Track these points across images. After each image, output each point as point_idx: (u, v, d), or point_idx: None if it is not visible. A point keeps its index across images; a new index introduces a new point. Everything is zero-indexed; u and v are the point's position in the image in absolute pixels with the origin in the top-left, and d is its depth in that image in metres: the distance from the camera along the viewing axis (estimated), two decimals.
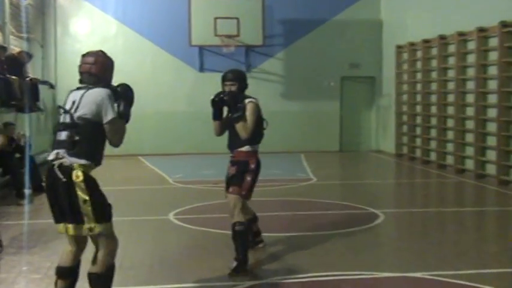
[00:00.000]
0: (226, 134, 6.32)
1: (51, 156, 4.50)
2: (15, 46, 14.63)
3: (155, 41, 17.88)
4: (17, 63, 13.44)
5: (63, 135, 4.49)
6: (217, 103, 6.11)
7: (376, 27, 18.80)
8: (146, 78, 17.65)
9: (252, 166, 6.21)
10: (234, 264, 5.96)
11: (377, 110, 19.12)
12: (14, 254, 6.86)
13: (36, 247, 7.08)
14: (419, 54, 16.11)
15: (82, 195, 4.39)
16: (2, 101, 12.47)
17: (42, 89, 15.04)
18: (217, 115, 6.20)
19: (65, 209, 4.45)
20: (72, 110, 4.50)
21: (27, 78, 13.69)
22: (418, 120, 16.22)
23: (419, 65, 16.10)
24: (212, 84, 17.57)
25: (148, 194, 11.34)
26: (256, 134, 6.17)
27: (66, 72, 17.60)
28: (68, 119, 4.50)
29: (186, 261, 6.53)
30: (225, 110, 6.23)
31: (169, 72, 17.93)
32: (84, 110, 4.46)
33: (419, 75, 16.12)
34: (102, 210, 4.56)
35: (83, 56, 4.74)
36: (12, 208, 9.73)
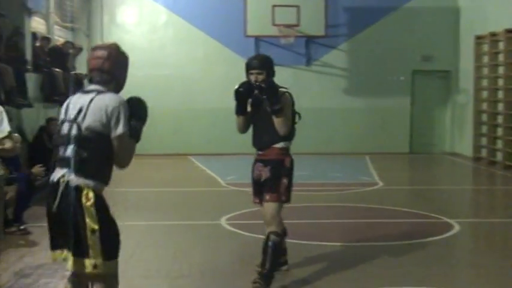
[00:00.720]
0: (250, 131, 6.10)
1: (55, 176, 4.09)
2: (59, 36, 15.04)
3: (207, 31, 18.05)
4: (61, 55, 13.80)
5: (68, 151, 4.04)
6: (243, 94, 5.79)
7: (452, 15, 18.51)
8: (197, 72, 17.86)
9: (287, 165, 5.86)
10: (257, 277, 5.77)
11: (452, 107, 18.82)
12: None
13: None
14: (501, 45, 15.79)
15: (91, 223, 3.98)
16: (45, 95, 12.86)
17: (87, 82, 15.41)
18: (242, 109, 5.88)
19: (69, 238, 4.03)
20: (79, 119, 4.05)
21: (72, 72, 14.04)
22: (500, 119, 15.90)
23: (501, 57, 15.77)
24: None
25: (199, 196, 11.49)
26: (291, 129, 5.90)
27: None
28: (74, 131, 4.05)
29: (238, 270, 6.60)
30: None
31: (223, 65, 18.04)
32: (93, 120, 4.02)
33: (501, 69, 15.79)
34: (113, 244, 4.16)
35: (93, 49, 4.36)
36: None
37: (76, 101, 4.16)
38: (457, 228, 8.63)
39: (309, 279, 6.18)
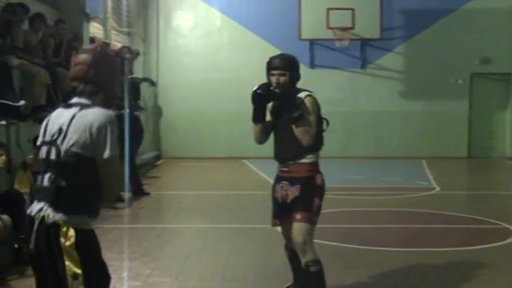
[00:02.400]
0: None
1: (32, 210, 3.43)
2: (116, 41, 15.31)
3: (262, 35, 18.12)
4: (119, 59, 14.04)
5: (45, 179, 3.37)
6: (262, 97, 5.04)
7: (511, 16, 18.14)
8: (252, 75, 17.77)
9: (318, 182, 5.09)
10: None
11: None
12: (113, 259, 7.19)
13: (136, 252, 7.37)
14: None
15: (72, 266, 3.30)
16: None
17: (143, 86, 15.64)
18: (260, 115, 5.19)
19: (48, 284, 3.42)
20: (59, 141, 3.36)
21: (128, 77, 14.27)
22: None
23: None
24: (324, 81, 17.67)
25: (253, 200, 11.51)
26: (318, 138, 5.11)
27: (168, 69, 18.27)
28: (52, 155, 3.36)
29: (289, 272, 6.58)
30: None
31: None
32: (74, 140, 3.34)
33: None
34: None
35: (75, 54, 3.67)
36: (111, 211, 10.18)
37: (56, 119, 3.47)
38: None
39: (368, 285, 6.12)
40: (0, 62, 8.08)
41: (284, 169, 5.19)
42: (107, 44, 13.56)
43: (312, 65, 18.04)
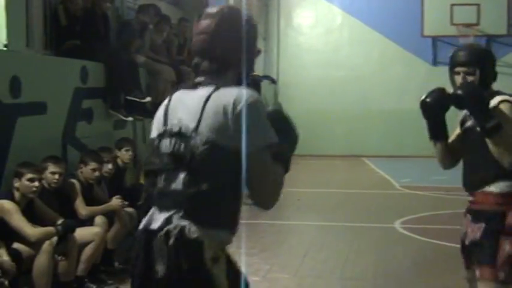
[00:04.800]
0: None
1: (151, 222, 2.49)
2: None
3: (383, 32, 17.81)
4: None
5: (176, 181, 2.45)
6: (434, 106, 3.73)
7: None
8: (373, 73, 17.67)
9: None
10: None
11: None
12: (233, 254, 7.28)
13: (255, 248, 7.39)
14: None
15: None
16: None
17: (264, 84, 15.76)
18: (436, 130, 3.79)
19: None
20: (189, 131, 2.46)
21: (250, 74, 14.45)
22: None
23: None
24: (447, 79, 17.13)
25: (372, 198, 11.34)
26: None
27: (288, 67, 18.32)
28: (182, 148, 2.46)
29: (412, 276, 6.42)
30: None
31: (399, 66, 17.73)
32: (213, 129, 2.43)
33: None
34: None
35: (197, 17, 2.68)
36: None
37: (180, 102, 2.58)
38: None
39: None
40: (129, 61, 8.35)
41: (471, 199, 3.69)
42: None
43: (435, 62, 17.56)
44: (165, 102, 2.66)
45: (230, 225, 2.52)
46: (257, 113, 2.43)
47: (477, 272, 3.54)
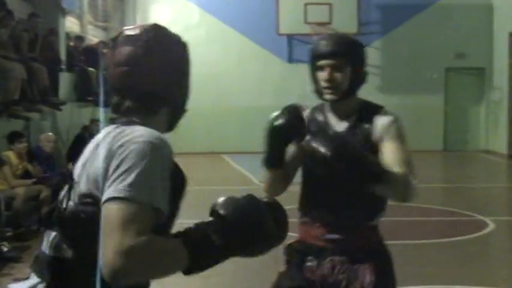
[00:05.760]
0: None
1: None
2: (93, 36, 15.17)
3: (240, 30, 18.06)
4: (96, 54, 13.91)
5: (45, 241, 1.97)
6: (282, 133, 2.79)
7: (485, 12, 18.25)
8: (230, 70, 17.86)
9: (391, 258, 3.14)
10: None
11: (487, 105, 18.56)
12: None
13: None
14: None
15: None
16: (79, 95, 12.96)
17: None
18: (275, 157, 2.85)
19: None
20: (76, 181, 2.01)
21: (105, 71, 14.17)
22: None
23: None
24: (302, 76, 17.50)
25: (231, 195, 11.46)
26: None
27: None
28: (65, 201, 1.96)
29: (272, 268, 6.54)
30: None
31: (256, 64, 18.04)
32: (88, 178, 1.94)
33: None
34: None
35: (112, 43, 2.11)
36: None
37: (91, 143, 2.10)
38: (491, 226, 8.49)
39: None
40: None
41: (331, 236, 2.90)
42: (81, 38, 13.37)
43: (290, 59, 18.05)
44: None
45: None
46: (144, 160, 1.79)
47: None
